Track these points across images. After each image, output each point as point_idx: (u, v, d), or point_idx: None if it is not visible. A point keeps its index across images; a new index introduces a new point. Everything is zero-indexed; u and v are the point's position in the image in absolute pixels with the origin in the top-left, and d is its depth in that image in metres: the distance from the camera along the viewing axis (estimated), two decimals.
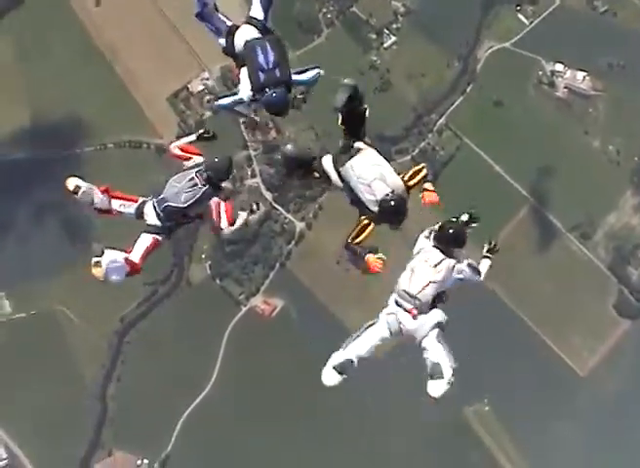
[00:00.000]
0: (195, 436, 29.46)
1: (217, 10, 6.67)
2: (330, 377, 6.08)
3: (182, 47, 29.64)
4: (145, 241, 6.33)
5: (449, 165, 29.59)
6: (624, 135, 29.82)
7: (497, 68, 30.25)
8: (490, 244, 6.24)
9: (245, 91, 6.25)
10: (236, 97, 6.33)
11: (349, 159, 6.16)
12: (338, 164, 6.19)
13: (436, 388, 5.58)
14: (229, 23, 6.67)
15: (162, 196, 6.24)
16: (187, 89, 29.66)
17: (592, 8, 30.04)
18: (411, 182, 6.04)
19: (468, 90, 30.02)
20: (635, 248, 29.67)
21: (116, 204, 6.41)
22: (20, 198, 29.43)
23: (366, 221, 6.02)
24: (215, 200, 6.45)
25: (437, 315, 5.85)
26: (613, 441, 28.33)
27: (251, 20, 6.51)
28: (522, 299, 29.44)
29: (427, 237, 6.06)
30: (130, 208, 6.41)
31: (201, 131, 6.83)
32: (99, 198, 6.26)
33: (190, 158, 6.54)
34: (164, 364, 29.15)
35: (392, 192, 5.83)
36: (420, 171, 6.20)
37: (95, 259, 6.00)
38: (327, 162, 6.21)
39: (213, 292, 29.76)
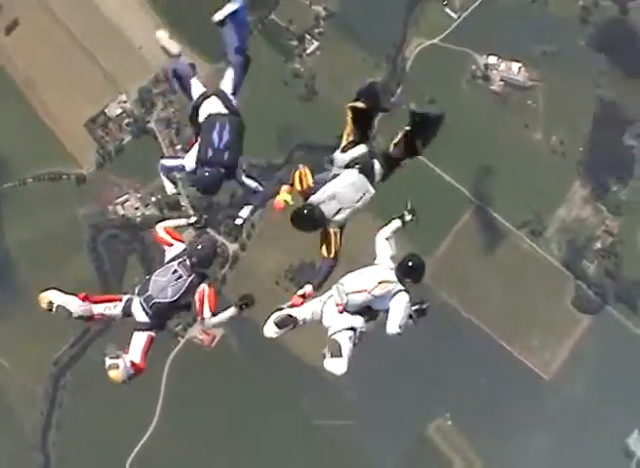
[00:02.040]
0: None
1: (194, 74, 7.64)
2: (269, 330, 7.32)
3: (97, 71, 33.58)
4: (140, 339, 6.86)
5: None
6: (567, 124, 33.82)
7: (427, 66, 34.28)
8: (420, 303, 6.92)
9: (190, 160, 7.08)
10: (179, 163, 7.24)
11: (359, 163, 7.16)
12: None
13: (338, 366, 6.69)
14: (202, 90, 7.49)
15: (148, 293, 6.71)
16: (105, 113, 33.56)
17: None
18: (324, 237, 7.10)
19: (399, 91, 34.11)
20: (588, 240, 33.51)
21: (99, 308, 6.85)
22: None
23: (308, 188, 7.03)
24: (200, 287, 7.07)
25: (356, 321, 6.82)
26: (582, 446, 31.94)
27: (219, 93, 7.48)
28: (475, 305, 33.17)
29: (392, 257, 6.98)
30: (115, 309, 6.89)
31: (193, 220, 7.47)
32: (78, 308, 6.70)
33: (172, 245, 7.09)
34: (104, 406, 32.41)
35: (324, 218, 6.81)
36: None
37: (110, 362, 6.59)
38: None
39: None
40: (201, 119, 7.32)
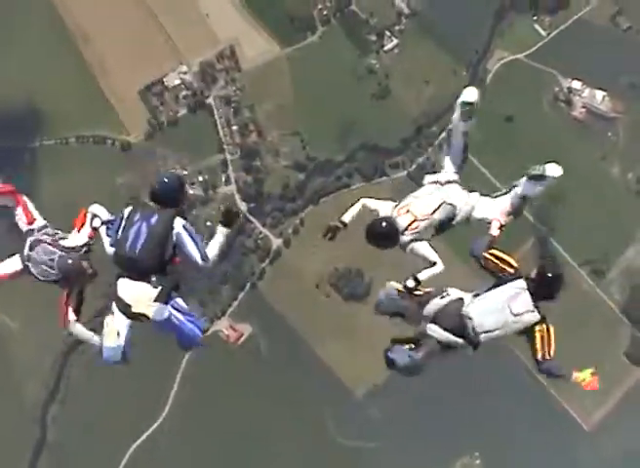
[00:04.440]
0: None
1: None
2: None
3: (161, 37, 35.60)
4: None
5: None
6: None
7: (509, 81, 36.13)
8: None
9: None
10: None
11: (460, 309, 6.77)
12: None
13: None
14: None
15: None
16: (162, 82, 35.49)
17: (614, 24, 36.21)
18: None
19: None
20: None
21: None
22: None
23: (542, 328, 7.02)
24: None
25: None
26: None
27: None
28: (524, 339, 34.72)
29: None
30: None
31: None
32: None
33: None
34: (114, 388, 33.90)
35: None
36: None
37: None
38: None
39: None
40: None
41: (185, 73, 35.46)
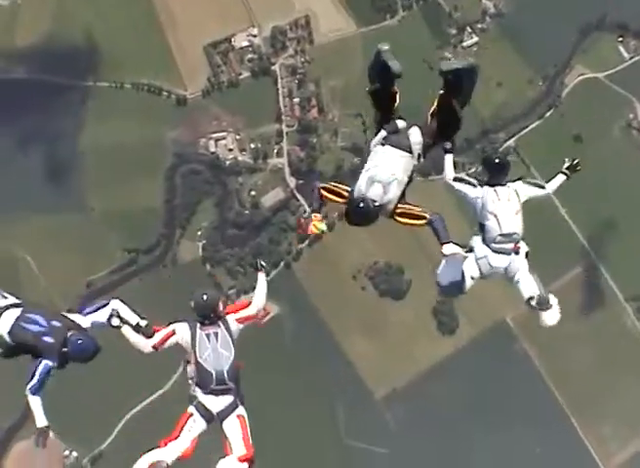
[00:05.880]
0: (138, 438, 33.22)
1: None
2: None
3: None
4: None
5: None
6: None
7: (584, 99, 35.53)
8: (572, 161, 7.39)
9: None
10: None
11: (390, 140, 7.10)
12: (385, 131, 7.19)
13: (551, 317, 7.05)
14: None
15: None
16: (230, 42, 35.00)
17: None
18: (399, 218, 7.02)
19: (548, 115, 35.35)
20: None
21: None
22: (7, 121, 33.34)
23: (345, 193, 7.05)
24: None
25: (524, 246, 7.15)
26: None
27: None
28: (554, 366, 33.87)
29: (475, 185, 7.28)
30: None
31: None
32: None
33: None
34: (123, 349, 33.24)
35: (379, 205, 6.78)
36: (420, 220, 6.99)
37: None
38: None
39: (199, 278, 33.39)
40: None
41: (255, 36, 35.00)
